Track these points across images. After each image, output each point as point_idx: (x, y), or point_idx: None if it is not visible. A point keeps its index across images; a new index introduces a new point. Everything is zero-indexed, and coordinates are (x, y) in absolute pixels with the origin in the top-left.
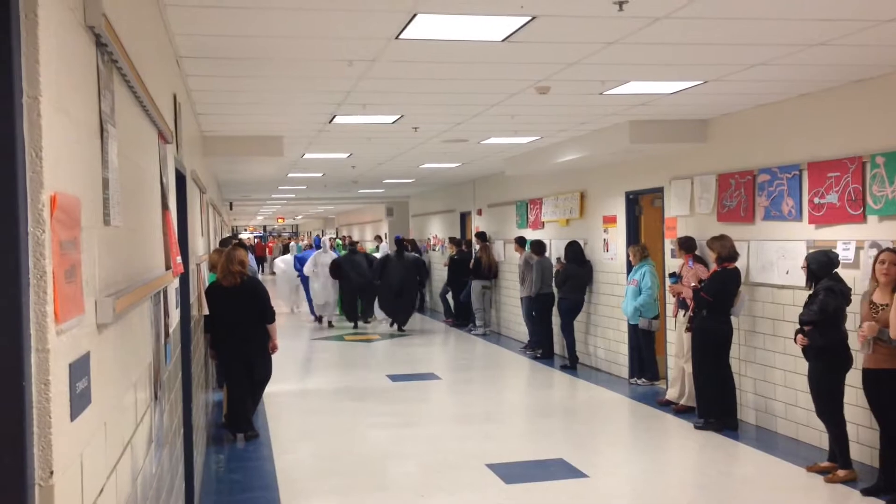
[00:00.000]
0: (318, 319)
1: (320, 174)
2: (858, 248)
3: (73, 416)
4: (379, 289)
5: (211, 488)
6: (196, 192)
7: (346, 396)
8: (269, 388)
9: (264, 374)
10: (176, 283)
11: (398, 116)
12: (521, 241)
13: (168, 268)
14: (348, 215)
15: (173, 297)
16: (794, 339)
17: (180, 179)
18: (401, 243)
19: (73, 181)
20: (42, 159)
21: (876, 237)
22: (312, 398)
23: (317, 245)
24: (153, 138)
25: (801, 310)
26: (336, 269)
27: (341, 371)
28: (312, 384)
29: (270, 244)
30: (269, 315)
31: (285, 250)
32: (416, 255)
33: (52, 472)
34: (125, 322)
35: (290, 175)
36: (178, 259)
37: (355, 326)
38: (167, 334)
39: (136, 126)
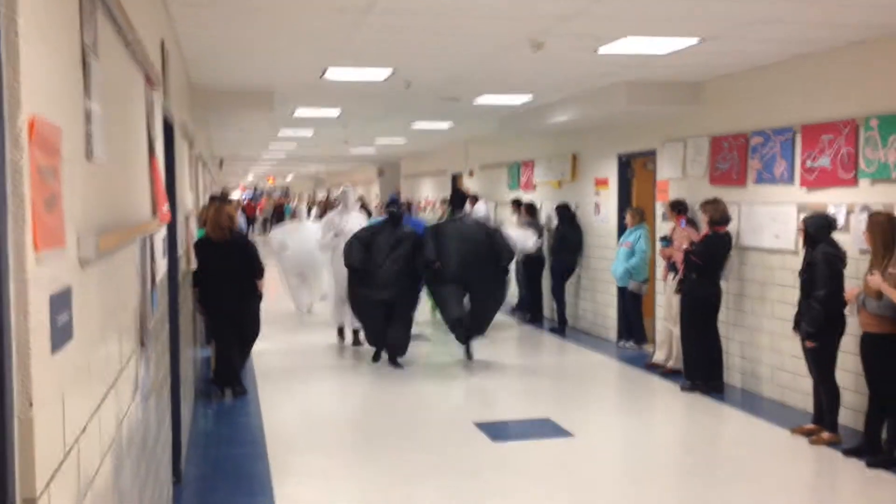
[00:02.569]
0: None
1: (311, 132)
2: (849, 212)
3: (53, 349)
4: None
5: (198, 441)
6: (185, 144)
7: (334, 355)
8: (259, 347)
9: (252, 330)
10: (163, 231)
11: (390, 71)
12: (517, 204)
13: (155, 214)
14: (339, 176)
15: (160, 246)
16: (802, 344)
17: (168, 129)
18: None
19: (53, 108)
20: (20, 79)
21: (867, 201)
22: (299, 357)
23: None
24: (139, 80)
25: (789, 274)
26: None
27: (331, 330)
28: (303, 342)
29: (261, 204)
30: (258, 270)
31: (278, 216)
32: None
33: (31, 404)
34: (109, 263)
35: (280, 132)
36: (166, 207)
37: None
38: (153, 282)
39: (120, 64)
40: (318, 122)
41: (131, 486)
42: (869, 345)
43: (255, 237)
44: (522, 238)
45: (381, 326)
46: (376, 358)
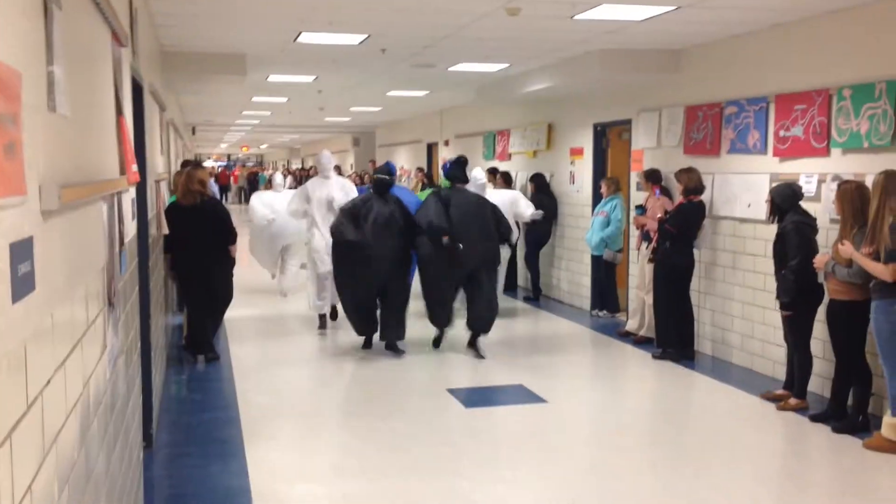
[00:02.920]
0: (323, 322)
1: (285, 99)
2: (821, 182)
3: (14, 299)
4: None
5: (170, 407)
6: (155, 108)
7: (308, 324)
8: (232, 313)
9: (225, 295)
10: (132, 192)
11: (365, 36)
12: (493, 172)
13: (123, 174)
14: (314, 145)
15: (129, 207)
16: (782, 314)
17: (137, 90)
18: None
19: (13, 53)
20: None
21: (839, 170)
22: (273, 324)
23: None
24: (106, 37)
25: (761, 244)
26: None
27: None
28: (275, 310)
29: (235, 172)
30: (231, 235)
31: (252, 185)
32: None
33: None
34: (74, 217)
35: (254, 99)
36: (134, 167)
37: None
38: (122, 243)
39: (86, 19)
40: (292, 89)
41: (98, 448)
42: (836, 312)
43: (230, 206)
44: (524, 206)
45: (370, 311)
46: (367, 345)
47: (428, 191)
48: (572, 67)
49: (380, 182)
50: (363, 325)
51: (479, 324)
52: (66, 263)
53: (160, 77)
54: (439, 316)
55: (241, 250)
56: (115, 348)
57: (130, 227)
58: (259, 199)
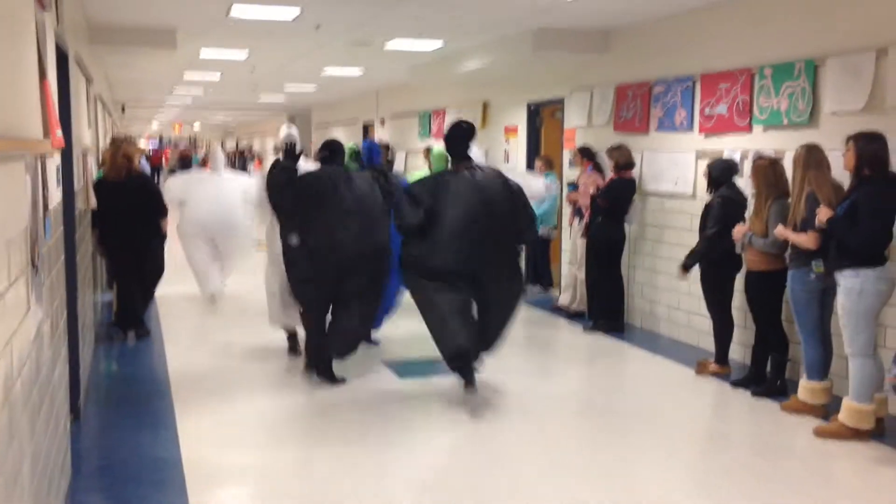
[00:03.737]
0: (292, 341)
1: (218, 76)
2: (743, 158)
3: None
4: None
5: (99, 382)
6: (81, 79)
7: (242, 300)
8: (160, 290)
9: (155, 269)
10: (57, 159)
11: (298, 11)
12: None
13: (46, 137)
14: (249, 126)
15: (53, 173)
16: (680, 274)
17: (62, 58)
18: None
19: None
20: None
21: (760, 146)
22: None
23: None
24: None
25: (687, 218)
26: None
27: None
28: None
29: (167, 152)
30: (160, 209)
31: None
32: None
33: None
34: None
35: (186, 76)
36: (59, 133)
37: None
38: (46, 208)
39: None
40: (225, 65)
41: (22, 410)
42: (754, 282)
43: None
44: (536, 186)
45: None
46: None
47: (420, 174)
48: (506, 46)
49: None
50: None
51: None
52: None
53: (87, 49)
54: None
55: (172, 226)
56: (38, 312)
57: (55, 194)
58: (182, 179)
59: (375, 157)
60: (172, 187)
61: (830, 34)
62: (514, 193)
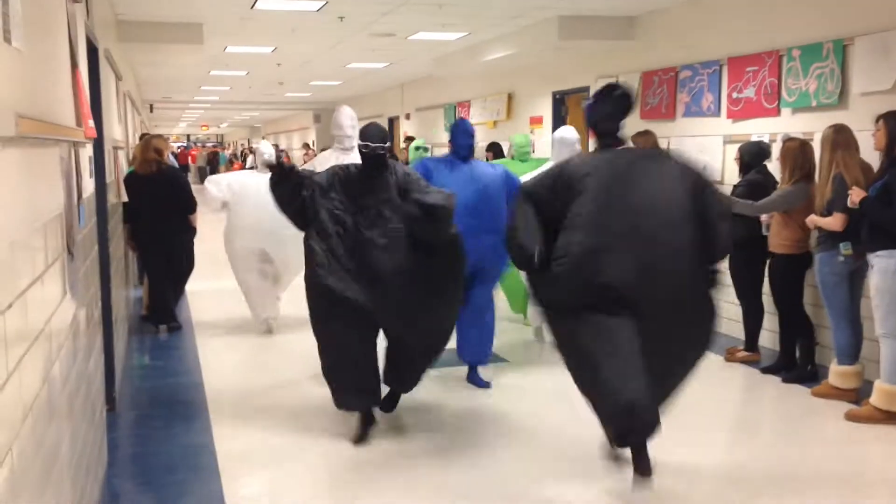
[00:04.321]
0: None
1: (244, 72)
2: (772, 141)
3: None
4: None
5: (133, 374)
6: (111, 74)
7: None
8: (191, 286)
9: (186, 265)
10: (89, 150)
11: (322, 2)
12: None
13: (79, 125)
14: (275, 123)
15: (86, 163)
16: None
17: (92, 51)
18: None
19: None
20: None
21: (788, 129)
22: (236, 294)
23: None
24: None
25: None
26: None
27: None
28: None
29: (193, 152)
30: (191, 205)
31: (212, 165)
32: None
33: None
34: (31, 154)
35: (212, 73)
36: (91, 122)
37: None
38: (80, 196)
39: None
40: (250, 62)
41: (61, 390)
42: (778, 265)
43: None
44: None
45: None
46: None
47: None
48: (530, 35)
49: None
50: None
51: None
52: (23, 197)
53: (116, 46)
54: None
55: (203, 221)
56: (74, 298)
57: (88, 184)
58: (224, 179)
59: (461, 141)
60: (213, 187)
61: (859, 13)
62: (708, 189)
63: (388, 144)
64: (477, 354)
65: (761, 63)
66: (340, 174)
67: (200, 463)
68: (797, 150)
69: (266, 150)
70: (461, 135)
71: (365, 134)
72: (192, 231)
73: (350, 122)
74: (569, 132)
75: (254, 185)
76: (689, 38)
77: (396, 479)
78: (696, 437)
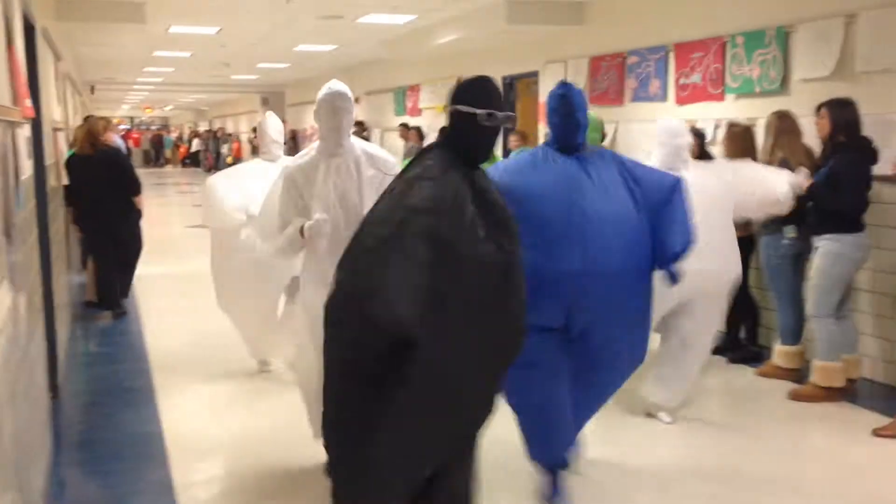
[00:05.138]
0: None
1: (188, 53)
2: (717, 126)
3: None
4: None
5: (77, 360)
6: (49, 54)
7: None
8: (139, 271)
9: (133, 249)
10: (27, 131)
11: None
12: (406, 127)
13: (15, 105)
14: (222, 106)
15: (24, 145)
16: None
17: (29, 30)
18: None
19: None
20: None
21: (733, 115)
22: (183, 280)
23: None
24: None
25: None
26: None
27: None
28: (185, 267)
29: (133, 134)
30: (134, 186)
31: (156, 151)
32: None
33: None
34: None
35: (155, 53)
36: (28, 102)
37: None
38: (17, 178)
39: None
40: (195, 42)
41: (1, 377)
42: None
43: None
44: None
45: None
46: None
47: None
48: (478, 19)
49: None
50: None
51: None
52: None
53: (55, 25)
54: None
55: (151, 203)
56: (14, 283)
57: (26, 166)
58: (227, 182)
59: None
60: (229, 193)
61: (800, 1)
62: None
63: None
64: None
65: (706, 49)
66: (455, 191)
67: (149, 450)
68: (741, 136)
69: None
70: (568, 107)
71: (482, 93)
72: (137, 214)
73: (277, 133)
74: (675, 125)
75: (264, 179)
76: (637, 23)
77: None
78: (640, 415)
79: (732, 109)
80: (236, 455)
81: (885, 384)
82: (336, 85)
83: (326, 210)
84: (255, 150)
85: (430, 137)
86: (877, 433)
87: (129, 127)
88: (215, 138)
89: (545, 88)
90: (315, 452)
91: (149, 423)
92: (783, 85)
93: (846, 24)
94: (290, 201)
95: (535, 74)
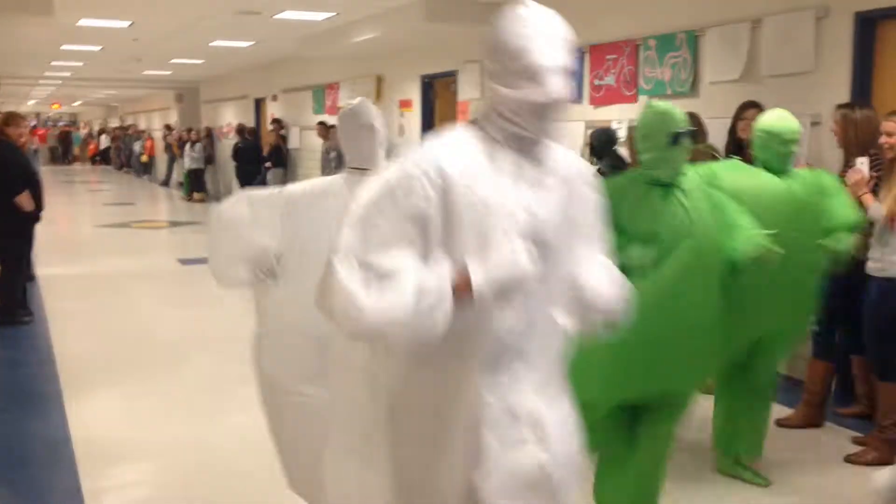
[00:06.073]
0: None
1: (99, 48)
2: (630, 127)
3: None
4: None
5: None
6: None
7: (132, 280)
8: (44, 272)
9: (18, 251)
10: None
11: None
12: (324, 125)
13: None
14: (133, 103)
15: None
16: None
17: None
18: None
19: None
20: None
21: None
22: (93, 281)
23: None
24: None
25: None
26: None
27: (127, 256)
28: (94, 268)
29: (38, 131)
30: (12, 183)
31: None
32: None
33: None
34: None
35: (63, 47)
36: None
37: None
38: None
39: None
40: (106, 36)
41: None
42: None
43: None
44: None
45: None
46: None
47: None
48: (397, 17)
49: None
50: None
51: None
52: None
53: None
54: None
55: (52, 203)
56: None
57: None
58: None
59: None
60: (261, 231)
61: (709, 6)
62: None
63: None
64: None
65: (620, 51)
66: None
67: (57, 456)
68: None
69: None
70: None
71: None
72: (22, 214)
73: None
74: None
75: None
76: None
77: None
78: None
79: None
80: (150, 461)
81: (787, 376)
82: None
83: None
84: (169, 148)
85: None
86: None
87: (34, 123)
88: (126, 135)
89: (464, 87)
90: (231, 458)
91: (57, 428)
92: (693, 87)
93: (752, 29)
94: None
95: (454, 74)
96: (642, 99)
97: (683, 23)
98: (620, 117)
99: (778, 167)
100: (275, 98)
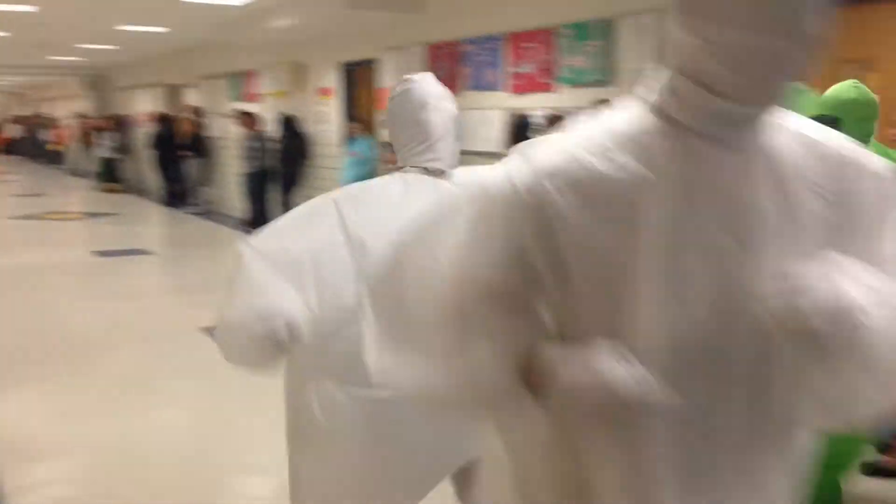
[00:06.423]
0: None
1: (5, 34)
2: (555, 117)
3: None
4: None
5: None
6: None
7: (47, 273)
8: None
9: None
10: None
11: None
12: (244, 114)
13: None
14: (41, 90)
15: None
16: None
17: None
18: None
19: None
20: None
21: (563, 104)
22: (6, 275)
23: None
24: None
25: None
26: None
27: (40, 248)
28: (7, 261)
29: None
30: None
31: None
32: None
33: None
34: None
35: None
36: None
37: None
38: None
39: None
40: (13, 21)
41: None
42: None
43: None
44: None
45: None
46: None
47: None
48: (317, 3)
49: None
50: None
51: None
52: None
53: None
54: None
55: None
56: None
57: None
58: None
59: None
60: (288, 296)
61: None
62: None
63: None
64: None
65: (538, 39)
66: None
67: None
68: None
69: None
70: None
71: None
72: None
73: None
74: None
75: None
76: (474, 12)
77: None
78: None
79: (564, 99)
80: (73, 458)
81: None
82: None
83: None
84: (86, 137)
85: (272, 125)
86: None
87: None
88: (35, 124)
89: (384, 75)
90: (156, 454)
91: None
92: (609, 75)
93: (661, 17)
94: None
95: (373, 62)
96: (560, 87)
97: (597, 12)
98: (539, 105)
99: None
100: (193, 85)
